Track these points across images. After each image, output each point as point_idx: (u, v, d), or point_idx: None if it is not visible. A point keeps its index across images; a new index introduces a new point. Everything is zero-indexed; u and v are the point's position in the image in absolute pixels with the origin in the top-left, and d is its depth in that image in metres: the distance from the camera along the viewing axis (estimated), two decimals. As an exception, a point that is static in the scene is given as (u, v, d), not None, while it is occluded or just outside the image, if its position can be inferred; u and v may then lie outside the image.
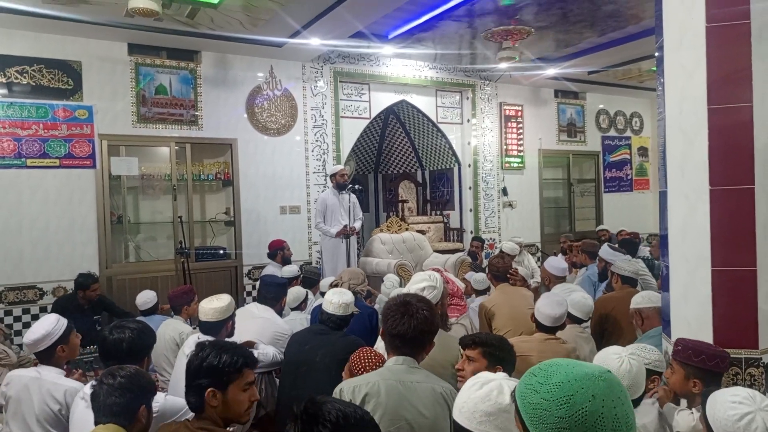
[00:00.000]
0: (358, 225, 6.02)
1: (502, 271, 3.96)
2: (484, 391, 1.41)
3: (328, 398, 1.25)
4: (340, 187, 6.02)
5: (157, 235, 6.17)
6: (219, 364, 1.73)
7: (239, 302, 5.68)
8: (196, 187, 6.33)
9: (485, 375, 1.48)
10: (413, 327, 2.01)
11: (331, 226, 5.99)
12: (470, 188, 7.97)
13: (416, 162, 8.86)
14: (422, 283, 2.70)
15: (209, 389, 1.72)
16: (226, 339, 2.91)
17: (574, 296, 3.27)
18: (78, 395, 2.18)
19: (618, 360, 1.96)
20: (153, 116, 5.91)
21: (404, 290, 2.77)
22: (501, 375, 1.47)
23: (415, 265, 6.60)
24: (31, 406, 2.39)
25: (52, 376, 2.45)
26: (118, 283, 5.68)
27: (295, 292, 4.08)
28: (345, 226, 5.86)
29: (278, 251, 5.85)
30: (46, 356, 2.49)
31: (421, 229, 7.56)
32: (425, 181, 8.79)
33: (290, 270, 4.99)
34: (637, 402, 1.99)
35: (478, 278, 4.54)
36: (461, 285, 3.78)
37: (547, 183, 8.75)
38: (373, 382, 1.99)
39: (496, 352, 2.22)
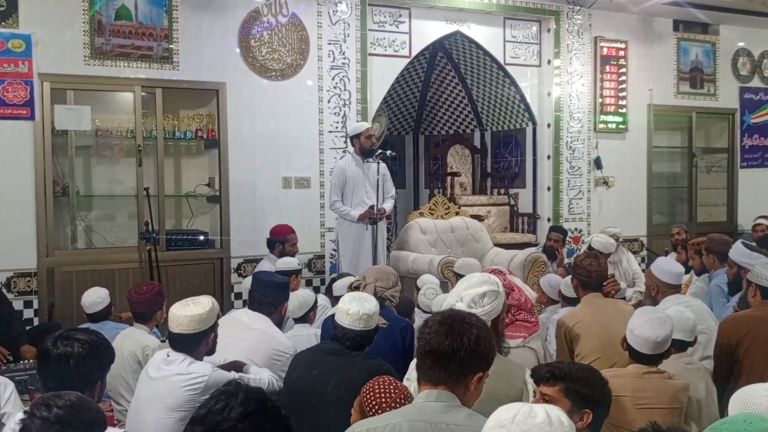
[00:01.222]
0: (389, 206, 6.13)
1: (595, 277, 3.86)
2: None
3: None
4: (365, 153, 6.12)
5: (115, 214, 6.31)
6: None
7: (224, 307, 5.73)
8: (169, 149, 6.43)
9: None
10: (459, 346, 2.00)
11: (351, 206, 6.10)
12: (549, 158, 8.05)
13: (473, 120, 8.87)
14: (481, 288, 2.66)
15: None
16: (206, 356, 2.98)
17: (669, 310, 3.26)
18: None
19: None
20: (112, 50, 5.98)
21: (453, 296, 2.73)
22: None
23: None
24: None
25: None
26: (63, 277, 5.79)
27: (301, 297, 4.12)
28: (371, 208, 5.96)
29: (279, 243, 5.99)
30: None
31: (477, 214, 7.58)
32: (485, 146, 8.80)
33: (287, 262, 5.05)
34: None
35: (567, 283, 4.51)
36: (531, 294, 3.72)
37: (660, 152, 8.75)
38: (393, 425, 1.98)
39: (583, 390, 2.22)
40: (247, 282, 4.68)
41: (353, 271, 5.60)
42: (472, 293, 2.64)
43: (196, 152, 6.66)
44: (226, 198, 6.40)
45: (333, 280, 5.15)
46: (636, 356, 2.88)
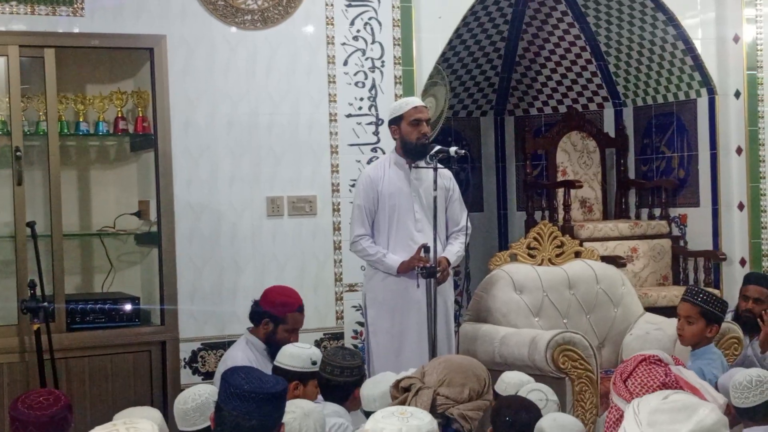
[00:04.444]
0: (457, 249, 6.31)
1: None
2: None
3: None
4: (412, 152, 6.16)
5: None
6: None
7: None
8: (69, 154, 6.51)
9: None
10: None
11: (389, 246, 6.21)
12: (739, 151, 8.13)
13: (601, 88, 8.94)
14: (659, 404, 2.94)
15: None
16: None
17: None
18: None
19: None
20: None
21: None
22: None
23: (600, 344, 6.75)
24: None
25: None
26: None
27: (314, 419, 4.07)
28: (424, 250, 5.98)
29: (272, 319, 5.81)
30: None
31: (613, 255, 7.53)
32: (623, 133, 8.91)
33: (293, 355, 5.05)
34: None
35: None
36: (717, 399, 3.73)
37: None
38: None
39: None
40: (208, 391, 4.41)
41: (393, 365, 5.65)
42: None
43: (116, 158, 6.77)
44: (170, 237, 6.40)
45: (357, 381, 4.96)
46: None
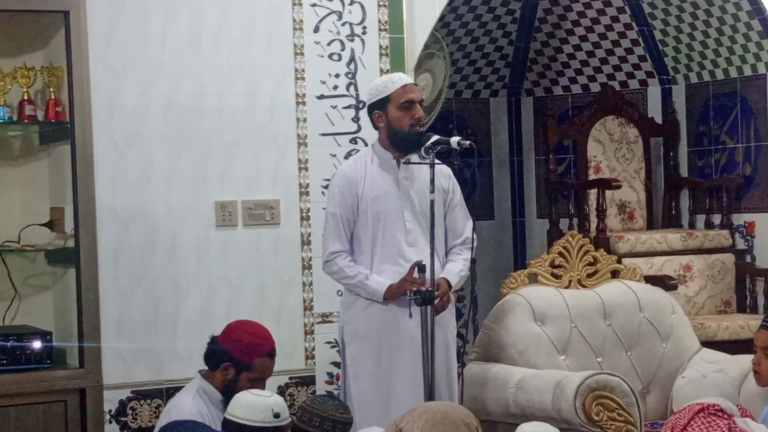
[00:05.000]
0: (460, 268, 6.07)
1: None
2: None
3: None
4: (403, 143, 5.98)
5: None
6: None
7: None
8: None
9: None
10: None
11: (372, 266, 6.02)
12: None
13: (644, 59, 8.88)
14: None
15: None
16: None
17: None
18: None
19: None
20: None
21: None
22: None
23: (644, 389, 6.57)
24: None
25: None
26: None
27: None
28: (418, 269, 5.76)
29: (233, 363, 5.70)
30: None
31: (661, 274, 7.49)
32: (672, 118, 8.83)
33: (252, 405, 5.01)
34: None
35: None
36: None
37: None
38: None
39: None
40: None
41: (379, 417, 5.60)
42: None
43: (21, 153, 6.54)
44: (91, 253, 6.14)
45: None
46: None
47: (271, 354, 5.66)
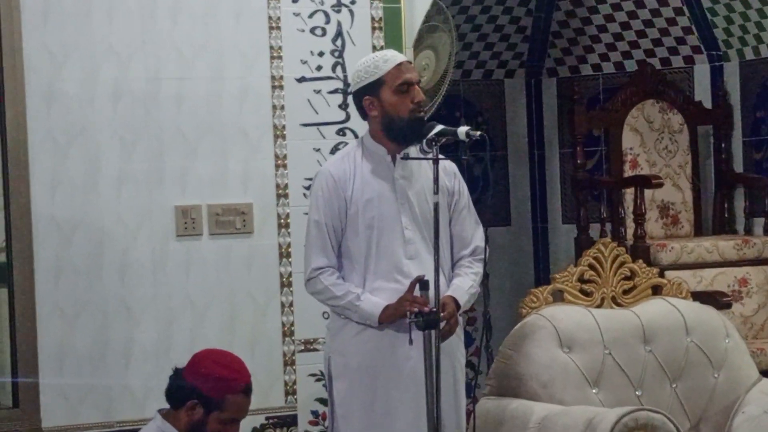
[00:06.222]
0: (469, 284, 5.76)
1: None
2: None
3: None
4: (401, 132, 5.66)
5: None
6: None
7: None
8: None
9: None
10: None
11: (364, 284, 5.71)
12: None
13: (691, 31, 8.61)
14: None
15: None
16: None
17: None
18: None
19: None
20: None
21: None
22: None
23: (693, 427, 6.39)
24: None
25: None
26: None
27: None
28: (418, 284, 5.50)
29: (199, 398, 5.39)
30: None
31: (712, 290, 7.31)
32: (724, 102, 8.55)
33: None
34: None
35: None
36: None
37: None
38: None
39: None
40: None
41: None
42: None
43: None
44: (26, 271, 6.25)
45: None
46: None
47: (247, 390, 5.31)
